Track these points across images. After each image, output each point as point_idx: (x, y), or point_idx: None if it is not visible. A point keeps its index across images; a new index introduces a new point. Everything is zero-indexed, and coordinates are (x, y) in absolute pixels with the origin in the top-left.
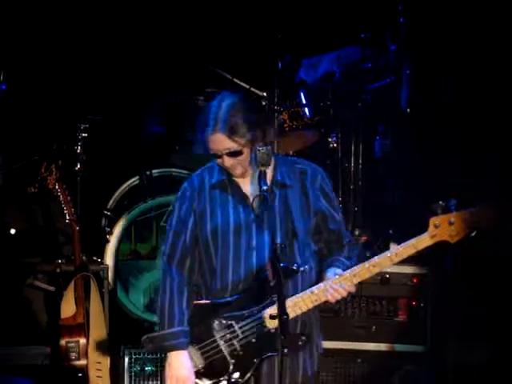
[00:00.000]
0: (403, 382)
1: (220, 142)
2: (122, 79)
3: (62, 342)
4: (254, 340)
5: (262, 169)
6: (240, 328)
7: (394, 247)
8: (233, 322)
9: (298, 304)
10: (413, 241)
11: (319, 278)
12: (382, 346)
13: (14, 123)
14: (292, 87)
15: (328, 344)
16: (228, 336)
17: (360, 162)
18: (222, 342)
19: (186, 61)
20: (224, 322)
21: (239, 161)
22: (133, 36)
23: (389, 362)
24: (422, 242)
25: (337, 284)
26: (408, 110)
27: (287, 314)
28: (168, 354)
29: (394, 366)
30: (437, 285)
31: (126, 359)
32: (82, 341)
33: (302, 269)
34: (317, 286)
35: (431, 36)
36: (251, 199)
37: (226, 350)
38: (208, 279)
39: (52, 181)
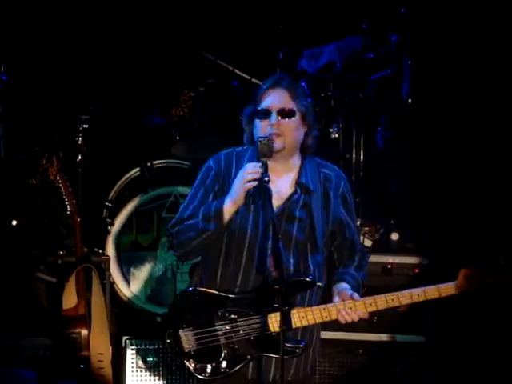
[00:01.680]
0: (404, 373)
1: (280, 96)
2: (122, 70)
3: (64, 333)
4: (252, 338)
5: (264, 160)
6: (242, 324)
7: (418, 288)
8: (236, 317)
9: (307, 316)
10: (439, 286)
11: (328, 291)
12: (383, 337)
13: (15, 115)
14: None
15: (329, 335)
16: (228, 329)
17: (361, 152)
18: (220, 333)
19: (187, 52)
20: (228, 314)
21: (287, 127)
22: (134, 27)
23: (390, 352)
24: (447, 290)
25: (351, 309)
26: (409, 100)
27: (289, 306)
28: (224, 206)
29: (395, 357)
30: (438, 275)
31: (128, 350)
32: (84, 332)
33: (319, 284)
34: (331, 304)
35: (432, 26)
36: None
37: (222, 341)
38: (215, 268)
39: (53, 172)
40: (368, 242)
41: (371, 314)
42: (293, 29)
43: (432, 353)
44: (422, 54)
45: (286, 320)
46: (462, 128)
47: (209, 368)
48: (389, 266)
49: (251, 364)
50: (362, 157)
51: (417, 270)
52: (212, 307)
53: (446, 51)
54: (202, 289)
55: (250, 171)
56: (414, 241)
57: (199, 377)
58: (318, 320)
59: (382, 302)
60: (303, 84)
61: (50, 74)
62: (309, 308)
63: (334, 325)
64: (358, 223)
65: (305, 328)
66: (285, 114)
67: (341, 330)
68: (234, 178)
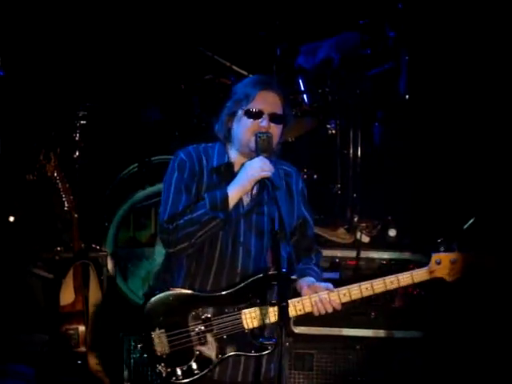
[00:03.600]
0: (402, 368)
1: (272, 101)
2: (120, 66)
3: (62, 329)
4: (225, 336)
5: (263, 155)
6: (216, 323)
7: (391, 276)
8: (210, 316)
9: None
10: (411, 273)
11: (293, 286)
12: (381, 333)
13: (12, 110)
14: (290, 74)
15: (327, 330)
16: (202, 328)
17: (359, 148)
18: (193, 333)
19: (185, 48)
20: (202, 314)
21: (274, 131)
22: (131, 23)
23: (387, 348)
24: (420, 276)
25: (325, 300)
26: (406, 96)
27: (287, 302)
28: (230, 195)
29: (392, 353)
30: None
31: (125, 346)
32: (82, 328)
33: (293, 277)
34: (305, 296)
35: (430, 22)
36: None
37: (194, 342)
38: (193, 264)
39: (51, 168)
40: (365, 239)
41: (372, 308)
42: (290, 25)
43: (429, 349)
44: (419, 49)
45: (284, 316)
46: (459, 123)
47: (179, 371)
48: (385, 262)
49: (218, 366)
50: (359, 152)
51: (413, 267)
52: (185, 308)
53: (444, 47)
54: (174, 289)
55: (265, 162)
56: (412, 237)
57: (171, 381)
58: (292, 314)
59: (356, 291)
60: (300, 81)
61: (48, 69)
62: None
63: (331, 321)
64: (355, 219)
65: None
66: (275, 118)
67: (338, 326)
68: (207, 171)
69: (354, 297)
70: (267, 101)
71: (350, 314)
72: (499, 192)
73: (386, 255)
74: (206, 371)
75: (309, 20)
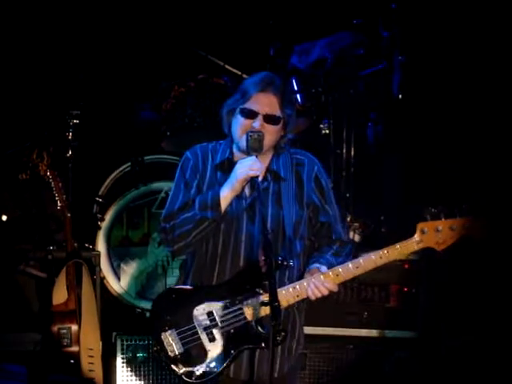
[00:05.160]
0: (394, 368)
1: (268, 102)
2: (113, 65)
3: (54, 328)
4: (232, 331)
5: (254, 154)
6: (220, 317)
7: (379, 251)
8: (213, 310)
9: (280, 299)
10: (398, 245)
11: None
12: (374, 332)
13: (5, 109)
14: (284, 74)
15: (319, 330)
16: (207, 323)
17: (352, 148)
18: (200, 330)
19: (178, 47)
20: (204, 309)
21: (268, 131)
22: (125, 22)
23: (380, 348)
24: (408, 246)
25: (319, 282)
26: (400, 96)
27: (278, 301)
28: (221, 194)
29: (385, 352)
30: (428, 271)
31: (118, 346)
32: (74, 327)
33: (286, 263)
34: (299, 281)
35: (423, 22)
36: (246, 188)
37: (204, 338)
38: (196, 259)
39: (44, 167)
40: (357, 238)
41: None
42: (284, 24)
43: (422, 349)
44: (412, 49)
45: (276, 315)
46: (452, 123)
47: (198, 371)
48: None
49: (233, 362)
50: (352, 152)
51: (407, 266)
52: (189, 304)
53: (437, 47)
54: (176, 287)
55: (255, 161)
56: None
57: (189, 381)
58: (291, 300)
59: (348, 270)
60: (293, 81)
61: (41, 68)
62: (279, 289)
63: (324, 320)
64: (348, 219)
65: (285, 317)
66: (270, 120)
67: (330, 326)
68: (211, 170)
69: (347, 277)
70: (263, 102)
71: (343, 313)
72: (492, 191)
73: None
74: (221, 368)
75: (303, 20)
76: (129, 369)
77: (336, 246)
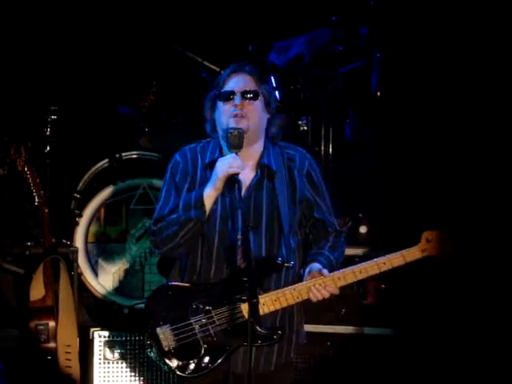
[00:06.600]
0: (372, 365)
1: (243, 80)
2: (91, 61)
3: (31, 324)
4: (229, 328)
5: (234, 151)
6: (217, 314)
7: (383, 257)
8: (210, 308)
9: (279, 299)
10: (403, 252)
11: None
12: (351, 329)
13: None
14: (262, 71)
15: None
16: (204, 321)
17: (330, 145)
18: (197, 326)
19: (157, 43)
20: (202, 306)
21: (250, 108)
22: (102, 18)
23: (358, 344)
24: (412, 254)
25: (321, 285)
26: (378, 93)
27: (257, 298)
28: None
29: (363, 349)
30: (406, 268)
31: (96, 342)
32: (51, 323)
33: (286, 264)
34: (301, 283)
35: (402, 19)
36: (242, 185)
37: (200, 335)
38: (192, 258)
39: (21, 163)
40: None
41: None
42: (263, 21)
43: (400, 345)
44: (391, 46)
45: (254, 312)
46: (431, 121)
47: (192, 365)
48: (357, 259)
49: (229, 357)
50: (330, 149)
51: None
52: (186, 301)
53: (416, 44)
54: (173, 283)
55: (234, 159)
56: (383, 234)
57: (182, 375)
58: (291, 302)
59: (351, 275)
60: (272, 78)
61: (19, 64)
62: (280, 290)
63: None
64: None
65: (283, 313)
66: (248, 95)
67: (308, 323)
68: (202, 171)
69: (349, 280)
70: (238, 81)
71: (320, 310)
72: (474, 188)
73: (357, 251)
74: (216, 364)
75: (282, 16)
76: (106, 365)
77: (331, 237)
